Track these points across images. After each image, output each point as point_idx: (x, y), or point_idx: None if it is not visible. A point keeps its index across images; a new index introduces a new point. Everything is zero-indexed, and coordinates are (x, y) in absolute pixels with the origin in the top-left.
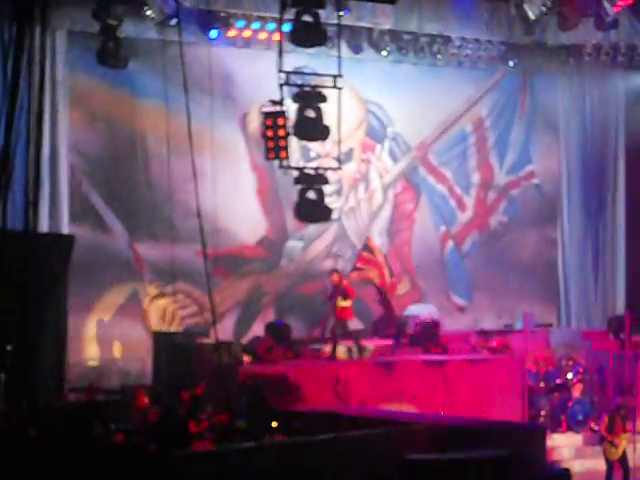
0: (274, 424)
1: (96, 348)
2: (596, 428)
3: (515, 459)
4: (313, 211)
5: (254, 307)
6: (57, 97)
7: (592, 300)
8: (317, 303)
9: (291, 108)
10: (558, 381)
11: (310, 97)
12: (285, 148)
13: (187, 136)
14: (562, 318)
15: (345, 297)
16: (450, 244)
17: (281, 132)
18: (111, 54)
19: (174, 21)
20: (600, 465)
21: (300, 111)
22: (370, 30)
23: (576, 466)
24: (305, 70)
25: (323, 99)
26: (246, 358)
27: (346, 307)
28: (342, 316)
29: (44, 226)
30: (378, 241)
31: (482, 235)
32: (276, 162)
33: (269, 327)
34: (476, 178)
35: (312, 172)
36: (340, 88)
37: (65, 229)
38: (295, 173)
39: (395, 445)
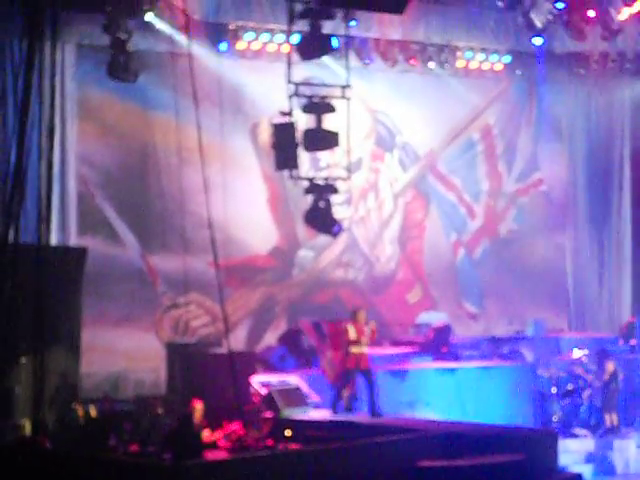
0: (288, 432)
1: (110, 359)
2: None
3: (527, 464)
4: (320, 220)
5: (266, 317)
6: (67, 111)
7: (599, 306)
8: (329, 311)
9: (301, 119)
10: (569, 387)
11: (319, 108)
12: (295, 159)
13: (197, 148)
14: (572, 324)
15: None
16: (462, 252)
17: (291, 143)
18: (121, 67)
19: (184, 34)
20: (611, 469)
21: (309, 121)
22: (378, 40)
23: (588, 471)
24: (314, 81)
25: (332, 109)
26: None
27: (365, 354)
28: (365, 365)
29: (53, 238)
30: (389, 249)
31: (492, 242)
32: (286, 172)
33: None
34: (485, 186)
35: (322, 182)
36: (349, 98)
37: (73, 241)
38: (305, 183)
39: (408, 452)
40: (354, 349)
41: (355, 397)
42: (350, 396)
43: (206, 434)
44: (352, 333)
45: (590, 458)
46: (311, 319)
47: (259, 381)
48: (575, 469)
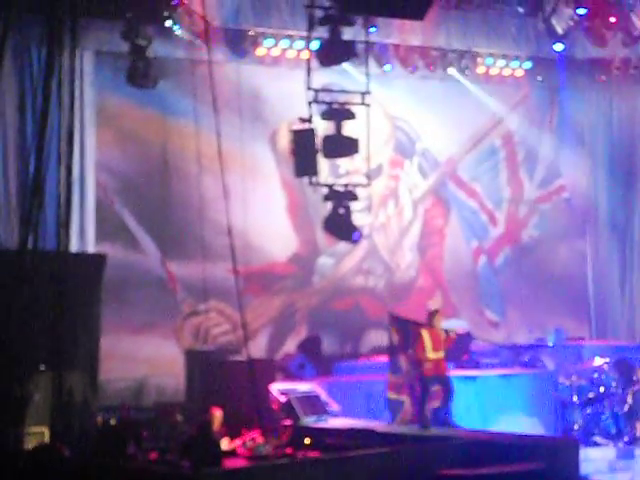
0: (307, 440)
1: (131, 366)
2: None
3: (548, 473)
4: (339, 227)
5: (286, 324)
6: (86, 118)
7: (620, 314)
8: (349, 319)
9: (320, 125)
10: (591, 395)
11: (338, 114)
12: (314, 165)
13: (217, 154)
14: (593, 332)
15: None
16: (483, 259)
17: (310, 149)
18: (141, 74)
19: (203, 41)
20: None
21: (329, 128)
22: (398, 47)
23: None
24: (333, 87)
25: (352, 116)
26: None
27: (442, 359)
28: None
29: (72, 245)
30: (409, 256)
31: (514, 250)
32: (305, 179)
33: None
34: (507, 193)
35: (341, 189)
36: (368, 105)
37: (92, 248)
38: (324, 190)
39: (428, 460)
40: (431, 355)
41: (444, 409)
42: (436, 409)
43: (225, 442)
44: (427, 340)
45: (611, 467)
46: (401, 314)
47: (278, 389)
48: (597, 478)
